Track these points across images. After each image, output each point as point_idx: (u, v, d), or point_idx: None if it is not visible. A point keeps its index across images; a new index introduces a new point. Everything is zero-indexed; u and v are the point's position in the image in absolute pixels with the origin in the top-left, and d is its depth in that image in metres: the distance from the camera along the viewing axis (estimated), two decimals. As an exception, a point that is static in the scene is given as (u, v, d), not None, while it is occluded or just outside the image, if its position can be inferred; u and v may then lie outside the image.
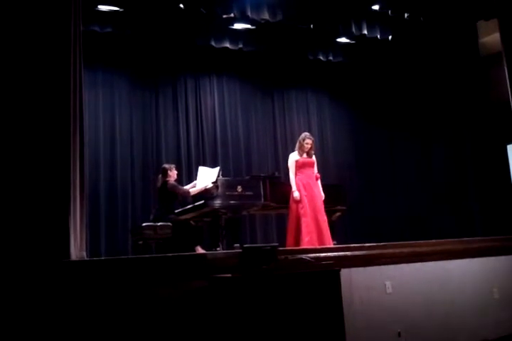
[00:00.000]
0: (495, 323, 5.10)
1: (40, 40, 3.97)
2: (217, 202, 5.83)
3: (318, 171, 6.32)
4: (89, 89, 7.26)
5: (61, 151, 3.89)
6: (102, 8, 6.95)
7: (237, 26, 7.81)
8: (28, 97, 3.87)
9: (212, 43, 7.85)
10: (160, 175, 6.25)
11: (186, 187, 6.31)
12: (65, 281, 3.49)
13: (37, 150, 3.80)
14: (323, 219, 5.93)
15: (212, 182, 5.97)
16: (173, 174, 6.19)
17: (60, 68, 4.02)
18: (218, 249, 6.04)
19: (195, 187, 6.23)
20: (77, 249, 3.88)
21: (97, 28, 7.09)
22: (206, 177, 6.22)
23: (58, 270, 3.52)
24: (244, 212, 6.32)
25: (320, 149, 8.61)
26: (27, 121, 3.83)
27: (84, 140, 4.30)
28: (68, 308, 3.44)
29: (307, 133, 6.38)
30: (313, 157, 6.26)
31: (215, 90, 8.57)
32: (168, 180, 6.08)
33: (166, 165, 6.33)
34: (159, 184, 6.19)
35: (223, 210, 5.91)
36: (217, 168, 6.28)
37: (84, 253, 4.01)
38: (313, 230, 5.79)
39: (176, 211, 6.26)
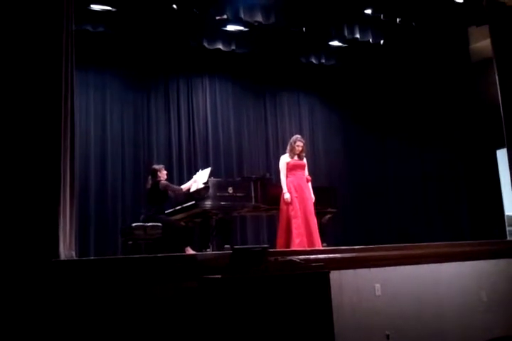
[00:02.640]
0: (483, 326, 5.13)
1: (31, 38, 3.96)
2: (208, 203, 5.82)
3: (309, 173, 6.33)
4: (81, 89, 7.25)
5: (51, 151, 3.88)
6: (95, 7, 6.94)
7: (230, 28, 7.82)
8: (19, 97, 3.85)
9: (205, 44, 7.85)
10: (150, 177, 6.23)
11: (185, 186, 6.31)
12: (54, 281, 3.48)
13: (27, 149, 3.79)
14: (314, 221, 5.94)
15: (203, 183, 5.97)
16: (162, 175, 6.17)
17: (52, 67, 4.01)
18: (208, 249, 6.05)
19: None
20: (66, 249, 3.87)
21: (89, 28, 7.07)
22: (199, 178, 6.24)
23: (47, 269, 3.51)
24: (235, 213, 6.32)
25: (311, 152, 8.63)
26: (17, 121, 3.82)
27: (75, 139, 4.29)
28: (56, 307, 3.42)
29: (298, 136, 6.39)
30: (304, 159, 6.27)
31: (207, 91, 8.57)
32: (159, 180, 6.07)
33: (156, 166, 6.31)
34: (149, 185, 6.17)
35: (214, 211, 5.91)
36: (208, 169, 6.28)
37: (74, 253, 4.00)
38: (303, 232, 5.80)
39: (167, 211, 6.26)
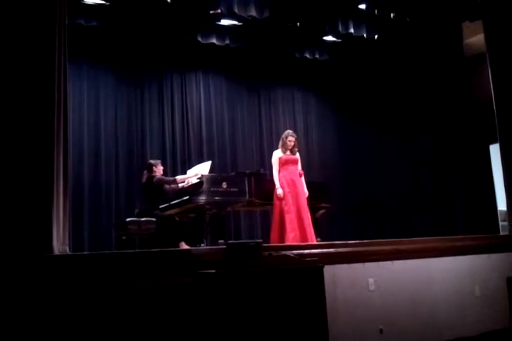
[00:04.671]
0: (476, 320, 5.15)
1: (24, 32, 3.92)
2: (202, 198, 5.82)
3: (303, 169, 6.34)
4: (74, 84, 7.22)
5: (44, 145, 3.85)
6: (88, 1, 6.91)
7: (224, 22, 7.80)
8: (11, 91, 3.82)
9: (199, 39, 7.83)
10: (145, 171, 6.22)
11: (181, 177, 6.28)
12: (47, 276, 3.46)
13: (20, 143, 3.77)
14: (307, 216, 5.95)
15: (197, 178, 5.97)
16: (158, 170, 6.16)
17: (45, 61, 3.98)
18: (202, 244, 6.04)
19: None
20: (59, 244, 3.85)
21: (82, 22, 7.03)
22: (197, 170, 6.24)
23: (40, 264, 3.49)
24: (229, 208, 6.32)
25: (305, 146, 8.64)
26: (9, 114, 3.79)
27: (68, 134, 4.26)
28: (50, 302, 3.41)
29: (290, 131, 6.40)
30: (297, 154, 6.28)
31: (201, 86, 8.55)
32: (154, 175, 6.06)
33: (152, 161, 6.30)
34: (144, 179, 6.16)
35: (208, 206, 5.91)
36: (209, 163, 6.29)
37: (67, 248, 3.99)
38: (296, 227, 5.81)
39: (161, 206, 6.24)
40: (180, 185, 6.17)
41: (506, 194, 6.18)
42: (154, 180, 6.01)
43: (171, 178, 6.25)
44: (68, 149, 4.21)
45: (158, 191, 6.06)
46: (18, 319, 3.33)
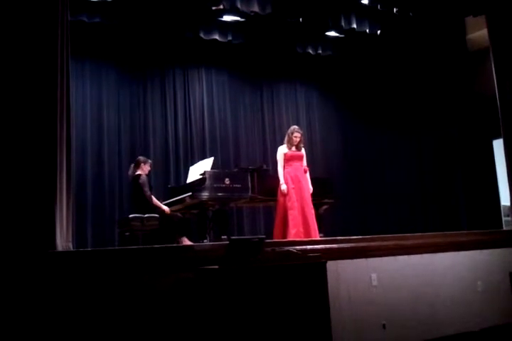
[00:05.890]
0: (479, 315, 5.16)
1: (26, 29, 3.92)
2: (205, 194, 5.83)
3: (307, 164, 6.34)
4: (77, 81, 7.22)
5: (47, 142, 3.86)
6: (91, -3, 6.90)
7: (227, 18, 7.78)
8: (13, 88, 3.83)
9: (202, 35, 7.81)
10: (132, 165, 6.14)
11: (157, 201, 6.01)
12: (51, 272, 3.48)
13: (23, 140, 3.77)
14: (311, 211, 5.95)
15: (200, 174, 5.97)
16: (145, 168, 6.06)
17: (47, 58, 3.98)
18: (205, 240, 6.06)
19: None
20: (63, 240, 3.87)
21: (84, 18, 7.02)
22: (198, 169, 6.22)
23: (44, 261, 3.50)
24: (232, 204, 6.33)
25: (308, 142, 8.62)
26: (12, 111, 3.79)
27: (71, 131, 4.27)
28: (53, 299, 3.43)
29: (296, 127, 6.39)
30: (303, 150, 6.27)
31: (204, 82, 8.54)
32: (140, 174, 5.97)
33: (141, 158, 6.18)
34: (131, 172, 6.03)
35: (211, 202, 5.92)
36: (211, 159, 6.29)
37: (71, 244, 4.00)
38: (299, 223, 5.82)
39: (164, 202, 6.25)
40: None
41: (510, 189, 6.17)
42: (140, 180, 5.90)
43: (148, 193, 5.90)
44: (71, 146, 4.21)
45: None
46: (22, 315, 3.34)
